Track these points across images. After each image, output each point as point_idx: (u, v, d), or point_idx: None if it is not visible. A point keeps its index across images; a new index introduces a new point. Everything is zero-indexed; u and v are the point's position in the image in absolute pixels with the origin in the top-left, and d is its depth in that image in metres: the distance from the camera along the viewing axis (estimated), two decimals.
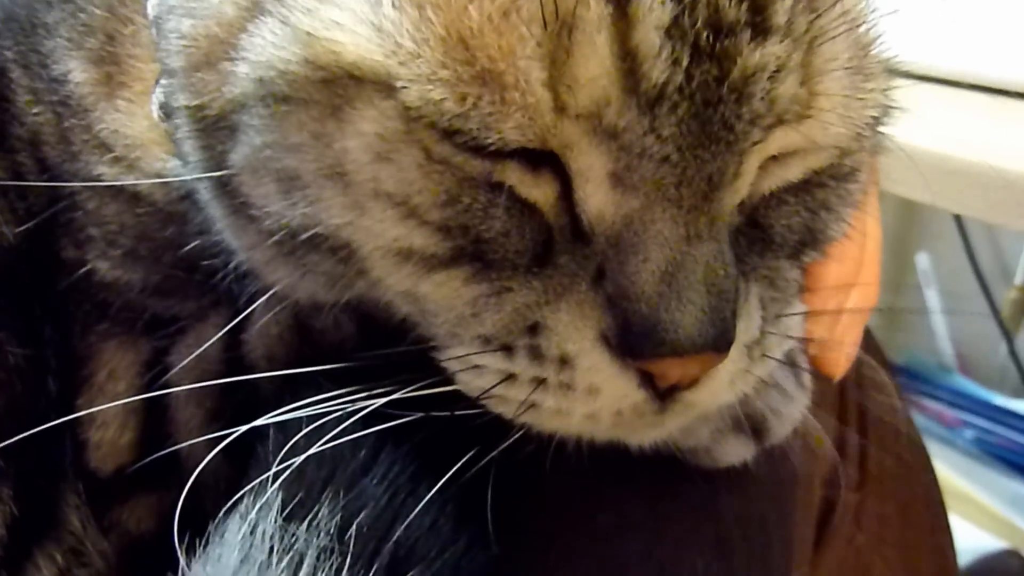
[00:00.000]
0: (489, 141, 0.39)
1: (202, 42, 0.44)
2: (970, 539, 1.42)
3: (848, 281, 0.57)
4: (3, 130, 0.54)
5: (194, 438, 0.50)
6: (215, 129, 0.44)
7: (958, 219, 1.63)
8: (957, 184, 0.75)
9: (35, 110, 0.54)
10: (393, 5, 0.39)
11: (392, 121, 0.39)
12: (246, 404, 0.47)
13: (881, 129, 0.50)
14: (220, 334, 0.50)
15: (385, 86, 0.39)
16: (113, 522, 0.50)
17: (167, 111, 0.51)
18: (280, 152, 0.42)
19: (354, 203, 0.41)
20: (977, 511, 1.47)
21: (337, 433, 0.41)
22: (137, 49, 0.54)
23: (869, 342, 0.71)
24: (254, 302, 0.50)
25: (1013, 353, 1.67)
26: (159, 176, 0.52)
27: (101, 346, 0.52)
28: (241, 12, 0.43)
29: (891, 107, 0.49)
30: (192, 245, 0.50)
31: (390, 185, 0.40)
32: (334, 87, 0.40)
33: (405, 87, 0.39)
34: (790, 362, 0.52)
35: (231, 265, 0.50)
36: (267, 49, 0.41)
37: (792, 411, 0.53)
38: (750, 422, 0.51)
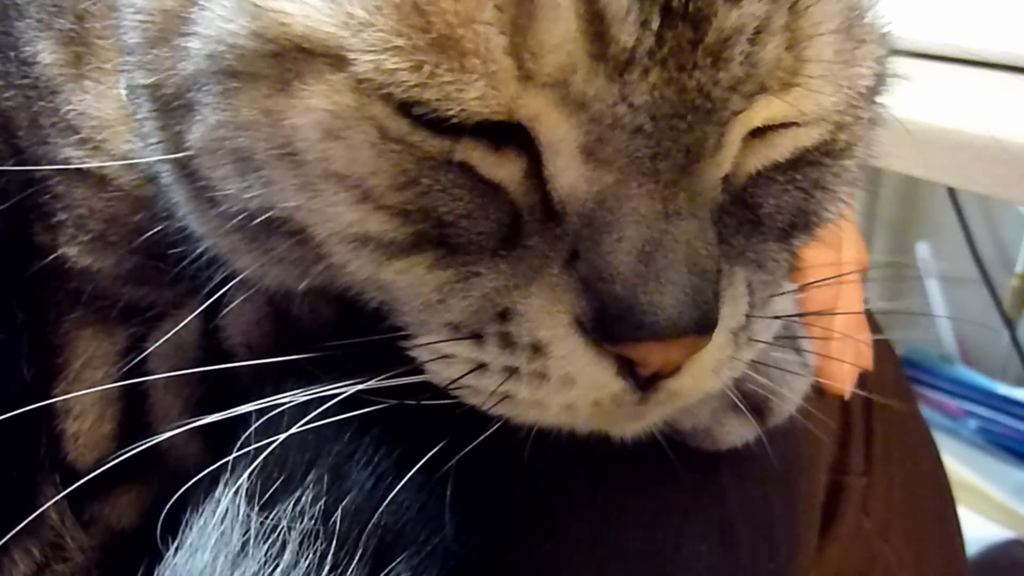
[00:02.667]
0: (450, 113, 0.36)
1: (157, 16, 0.42)
2: (976, 529, 1.41)
3: (832, 283, 0.55)
4: None
5: (174, 420, 0.48)
6: (172, 108, 0.42)
7: (958, 208, 1.63)
8: (957, 158, 0.75)
9: (6, 94, 0.53)
10: None
11: (343, 96, 0.37)
12: (227, 392, 0.46)
13: (878, 100, 0.48)
14: (191, 318, 0.49)
15: (336, 58, 0.37)
16: (94, 516, 0.49)
17: (130, 87, 0.49)
18: (233, 131, 0.40)
19: (305, 184, 0.39)
20: (982, 501, 1.47)
21: (315, 418, 0.39)
22: (106, 30, 0.53)
23: (872, 327, 0.70)
24: (230, 292, 0.48)
25: (1015, 341, 1.67)
26: (126, 158, 0.50)
27: (76, 334, 0.50)
28: None
29: (887, 75, 0.47)
30: (159, 229, 0.49)
31: (341, 165, 0.38)
32: (283, 61, 0.38)
33: (357, 58, 0.37)
34: (791, 338, 0.51)
35: (199, 251, 0.48)
36: (216, 23, 0.39)
37: (795, 390, 0.51)
38: (751, 402, 0.49)
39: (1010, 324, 1.67)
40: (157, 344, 0.48)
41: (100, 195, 0.50)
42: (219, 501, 0.38)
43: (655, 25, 0.36)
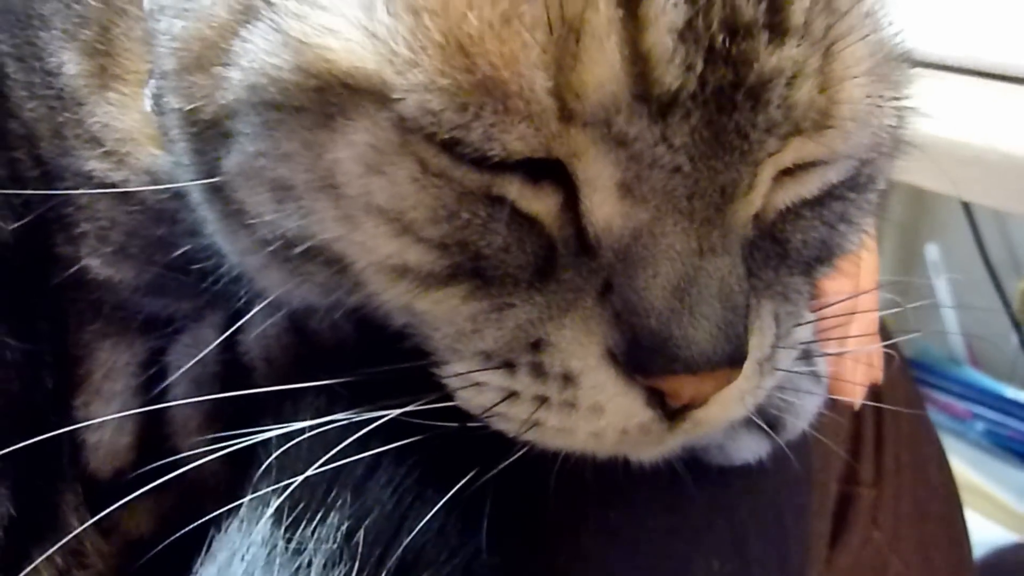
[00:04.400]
0: (492, 152, 0.37)
1: (194, 45, 0.43)
2: (982, 532, 1.39)
3: (848, 309, 0.56)
4: (2, 126, 0.53)
5: (193, 439, 0.49)
6: (208, 134, 0.43)
7: (967, 210, 1.64)
8: (970, 172, 0.75)
9: (30, 105, 0.53)
10: (388, 11, 0.37)
11: (386, 132, 0.38)
12: (245, 404, 0.46)
13: (900, 134, 0.48)
14: (211, 331, 0.50)
15: (380, 95, 0.37)
16: (113, 524, 0.50)
17: (160, 104, 0.50)
18: (273, 161, 0.40)
19: (346, 217, 0.40)
20: (989, 504, 1.48)
21: (339, 447, 0.40)
22: (131, 42, 0.53)
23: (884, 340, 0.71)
24: (249, 304, 0.49)
25: (1023, 344, 1.67)
26: (149, 172, 0.51)
27: (97, 345, 0.51)
28: (233, 15, 0.41)
29: (909, 110, 0.48)
30: (184, 247, 0.49)
31: (383, 199, 0.39)
32: (327, 95, 0.38)
33: (401, 97, 0.37)
34: (805, 357, 0.51)
35: (224, 268, 0.48)
36: (259, 55, 0.39)
37: (808, 407, 0.52)
38: (765, 418, 0.50)
39: (1018, 327, 1.66)
40: (184, 368, 0.49)
41: (123, 208, 0.51)
42: (244, 521, 0.38)
43: (699, 67, 0.36)
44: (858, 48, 0.40)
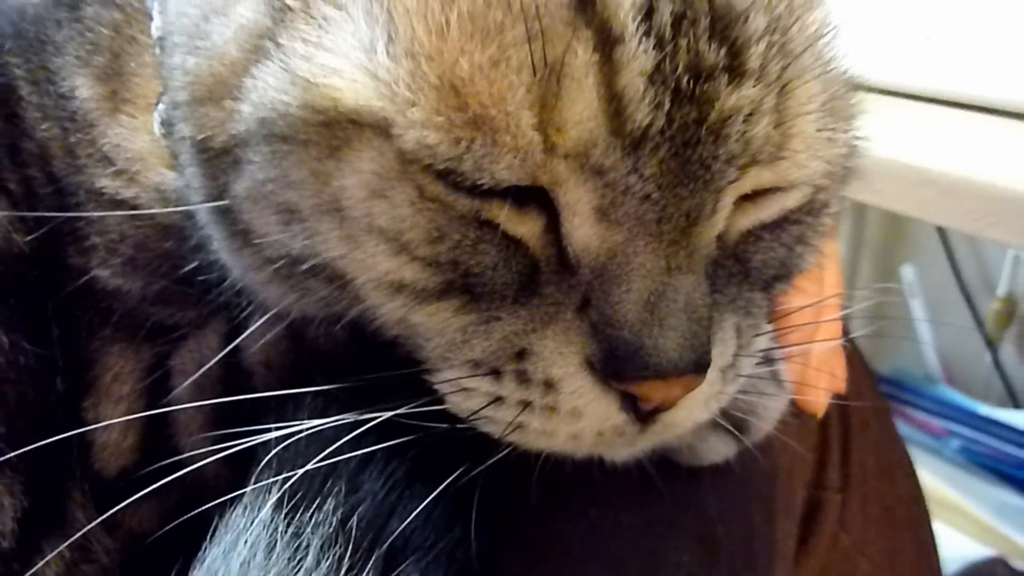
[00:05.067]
0: (482, 181, 0.41)
1: (206, 79, 0.46)
2: (957, 547, 1.43)
3: (811, 317, 0.59)
4: (15, 145, 0.56)
5: (195, 439, 0.52)
6: (218, 160, 0.46)
7: (942, 232, 1.66)
8: (947, 200, 0.78)
9: (44, 126, 0.56)
10: (388, 54, 0.41)
11: (388, 160, 0.41)
12: (246, 404, 0.49)
13: (851, 163, 0.52)
14: (213, 338, 0.52)
15: (382, 129, 0.41)
16: (117, 520, 0.52)
17: (168, 128, 0.53)
18: (281, 187, 0.43)
19: (349, 237, 0.43)
20: (963, 519, 1.48)
21: (336, 444, 0.43)
22: (141, 68, 0.56)
23: (852, 353, 0.74)
24: (250, 314, 0.52)
25: (997, 363, 1.70)
26: (158, 190, 0.54)
27: (105, 350, 0.54)
28: (244, 54, 0.45)
29: (860, 143, 0.52)
30: (187, 257, 0.52)
31: (383, 221, 0.42)
32: (333, 129, 0.42)
33: (401, 133, 0.40)
34: (767, 362, 0.54)
35: (226, 280, 0.51)
36: (269, 92, 0.43)
37: (771, 410, 0.55)
38: (732, 421, 0.53)
39: (992, 346, 1.69)
40: (188, 372, 0.51)
41: (132, 222, 0.54)
42: (248, 507, 0.41)
43: (667, 106, 0.40)
44: (810, 87, 0.44)
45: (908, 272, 1.76)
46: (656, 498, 0.55)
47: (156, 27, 0.55)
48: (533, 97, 0.40)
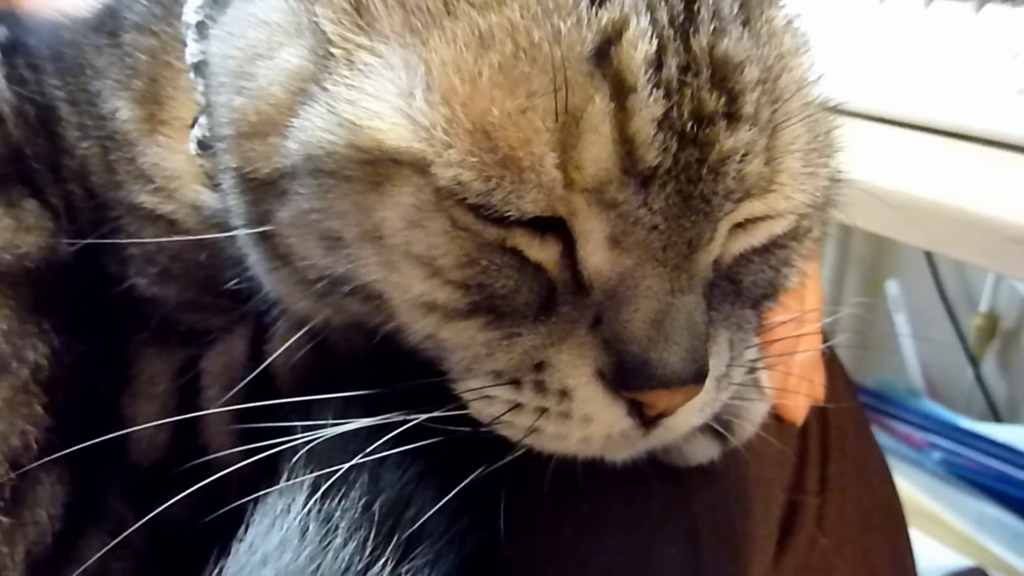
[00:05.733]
0: (508, 213, 0.45)
1: (252, 117, 0.50)
2: (937, 557, 1.45)
3: (793, 330, 0.64)
4: (57, 161, 0.60)
5: (222, 433, 0.56)
6: (263, 190, 0.50)
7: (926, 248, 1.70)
8: (933, 226, 0.80)
9: (83, 144, 0.60)
10: (425, 100, 0.45)
11: (425, 195, 0.46)
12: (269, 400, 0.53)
13: (832, 192, 0.57)
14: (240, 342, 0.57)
15: (420, 167, 0.45)
16: (150, 508, 0.56)
17: (203, 148, 0.57)
18: (325, 216, 0.48)
19: (388, 262, 0.47)
20: (944, 530, 1.50)
21: (364, 442, 0.47)
22: (176, 91, 0.60)
23: (831, 363, 0.78)
24: (275, 320, 0.56)
25: (979, 378, 1.72)
26: (193, 206, 0.58)
27: (141, 352, 0.58)
28: (289, 96, 0.49)
29: (840, 175, 0.57)
30: (222, 271, 0.56)
31: (419, 248, 0.47)
32: (376, 167, 0.46)
33: (438, 172, 0.45)
34: (752, 372, 0.59)
35: (255, 290, 0.56)
36: (316, 132, 0.47)
37: (754, 414, 0.60)
38: (718, 423, 0.57)
39: (974, 361, 1.72)
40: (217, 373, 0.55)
41: (167, 235, 0.58)
42: (282, 495, 0.46)
43: (673, 148, 0.45)
44: (796, 128, 0.49)
45: (892, 287, 1.79)
46: (646, 495, 0.59)
47: (190, 53, 0.59)
48: (556, 140, 0.44)
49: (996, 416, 1.74)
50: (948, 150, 0.90)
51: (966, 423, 1.65)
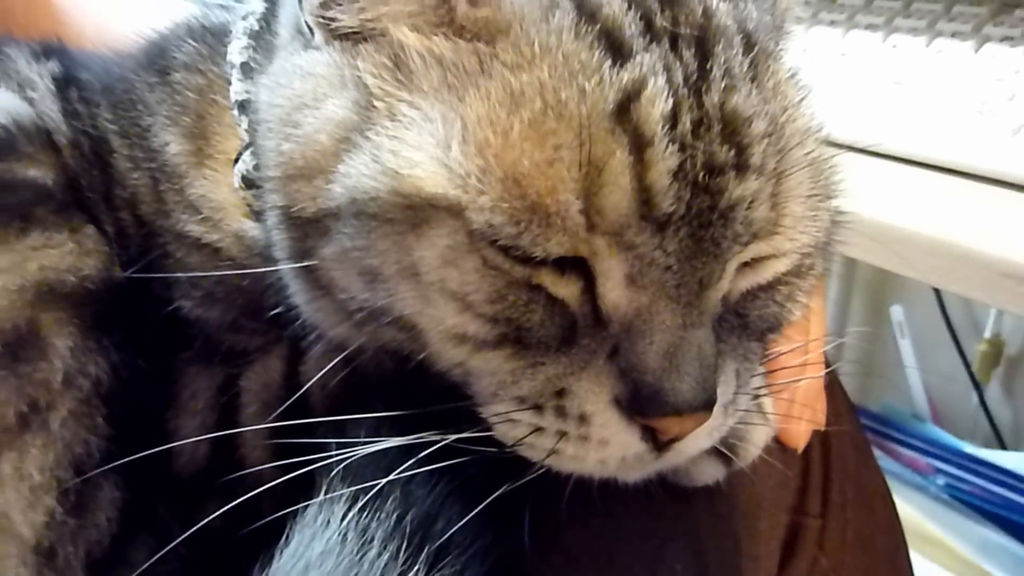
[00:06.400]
0: (535, 253, 0.49)
1: (299, 161, 0.54)
2: None
3: (799, 360, 0.67)
4: (109, 190, 0.64)
5: (259, 448, 0.60)
6: (307, 227, 0.54)
7: None
8: (935, 261, 0.84)
9: (134, 175, 0.64)
10: (461, 151, 0.49)
11: (460, 236, 0.49)
12: (303, 418, 0.57)
13: (832, 232, 0.61)
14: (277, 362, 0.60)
15: (455, 212, 0.49)
16: (192, 517, 0.59)
17: (247, 183, 0.61)
18: (366, 254, 0.51)
19: (424, 297, 0.51)
20: (948, 556, 1.50)
21: (408, 463, 0.51)
22: (221, 127, 0.65)
23: (833, 389, 0.80)
24: (310, 342, 0.60)
25: (983, 404, 1.74)
26: (237, 235, 0.62)
27: (185, 369, 0.61)
28: (334, 143, 0.52)
29: (839, 217, 0.61)
30: (262, 296, 0.60)
31: (453, 285, 0.50)
32: (415, 210, 0.50)
33: (472, 217, 0.49)
34: (755, 398, 0.62)
35: (292, 314, 0.60)
36: (360, 179, 0.51)
37: (757, 438, 0.63)
38: (724, 446, 0.60)
39: (978, 387, 1.73)
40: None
41: (213, 261, 0.62)
42: (321, 508, 0.49)
43: (687, 197, 0.49)
44: (799, 176, 0.53)
45: (897, 313, 1.81)
46: (655, 513, 0.62)
47: (235, 92, 0.64)
48: (580, 188, 0.48)
49: (1000, 442, 1.75)
50: (947, 187, 0.93)
51: (970, 449, 1.66)
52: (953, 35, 1.02)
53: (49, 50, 0.73)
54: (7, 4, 0.98)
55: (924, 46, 1.03)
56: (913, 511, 1.54)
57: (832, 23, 1.13)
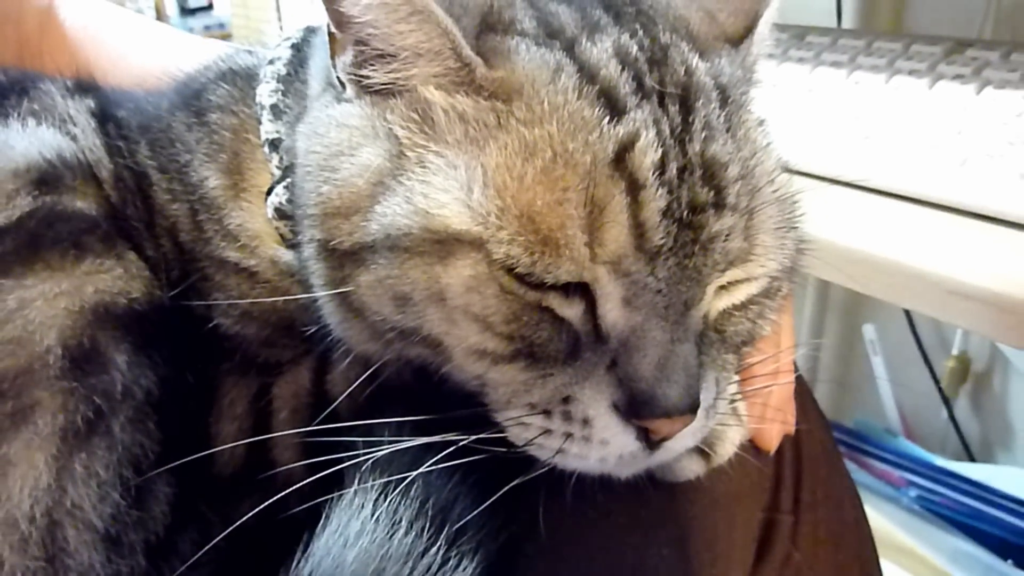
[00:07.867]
0: (546, 280, 0.56)
1: (336, 201, 0.60)
2: None
3: (770, 368, 0.74)
4: (151, 220, 0.70)
5: (290, 448, 0.66)
6: (344, 258, 0.60)
7: None
8: (912, 286, 0.89)
9: (173, 206, 0.70)
10: (483, 194, 0.55)
11: (481, 266, 0.56)
12: (328, 422, 0.63)
13: (797, 258, 0.69)
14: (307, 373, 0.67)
15: (478, 246, 0.56)
16: (229, 514, 0.63)
17: (280, 214, 0.68)
18: (398, 282, 0.57)
19: (449, 319, 0.57)
20: (920, 565, 1.53)
21: (430, 459, 0.58)
22: (254, 163, 0.71)
23: (803, 396, 0.87)
24: (337, 355, 0.67)
25: (952, 418, 1.75)
26: (272, 260, 0.69)
27: (223, 380, 0.68)
28: (370, 187, 0.59)
29: (804, 247, 0.69)
30: (293, 314, 0.67)
31: (476, 308, 0.56)
32: (443, 245, 0.56)
33: (493, 249, 0.55)
34: (732, 403, 0.69)
35: (321, 331, 0.66)
36: (395, 218, 0.57)
37: (733, 438, 0.70)
38: (703, 446, 0.68)
39: (947, 402, 1.77)
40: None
41: (250, 284, 0.68)
42: (357, 494, 0.56)
43: (674, 232, 0.57)
44: (768, 211, 0.61)
45: (870, 331, 1.83)
46: (642, 504, 0.69)
47: (265, 131, 0.71)
48: (584, 224, 0.55)
49: (969, 455, 1.76)
50: (901, 213, 0.99)
51: (941, 462, 1.69)
52: (910, 72, 1.08)
53: (83, 87, 0.79)
54: (23, 33, 1.03)
55: (884, 83, 1.09)
56: (886, 522, 1.59)
57: (800, 60, 1.19)
